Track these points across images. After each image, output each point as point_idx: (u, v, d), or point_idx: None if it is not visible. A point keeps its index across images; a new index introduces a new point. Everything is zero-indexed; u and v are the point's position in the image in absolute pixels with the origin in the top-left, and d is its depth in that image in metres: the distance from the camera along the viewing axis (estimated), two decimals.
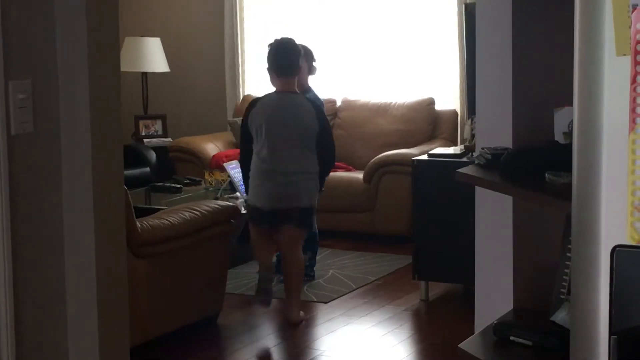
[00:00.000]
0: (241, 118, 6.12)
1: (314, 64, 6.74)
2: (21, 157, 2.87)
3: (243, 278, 6.79)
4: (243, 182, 6.13)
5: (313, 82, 6.81)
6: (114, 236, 3.17)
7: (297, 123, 5.78)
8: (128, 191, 4.70)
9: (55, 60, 2.97)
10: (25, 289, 2.91)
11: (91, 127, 3.01)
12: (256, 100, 5.93)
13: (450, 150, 6.59)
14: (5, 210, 2.80)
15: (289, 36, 6.08)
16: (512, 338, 2.78)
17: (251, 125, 5.82)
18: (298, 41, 6.08)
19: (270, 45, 5.95)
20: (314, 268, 6.84)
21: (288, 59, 5.85)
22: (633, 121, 1.88)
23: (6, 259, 2.81)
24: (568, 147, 2.16)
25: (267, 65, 5.91)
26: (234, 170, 7.07)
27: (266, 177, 5.77)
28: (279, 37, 6.03)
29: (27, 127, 2.88)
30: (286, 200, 5.77)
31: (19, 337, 2.89)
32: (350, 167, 8.15)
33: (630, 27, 1.86)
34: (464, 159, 5.95)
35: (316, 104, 6.03)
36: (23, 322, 2.91)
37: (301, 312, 5.99)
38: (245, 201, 6.16)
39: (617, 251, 1.91)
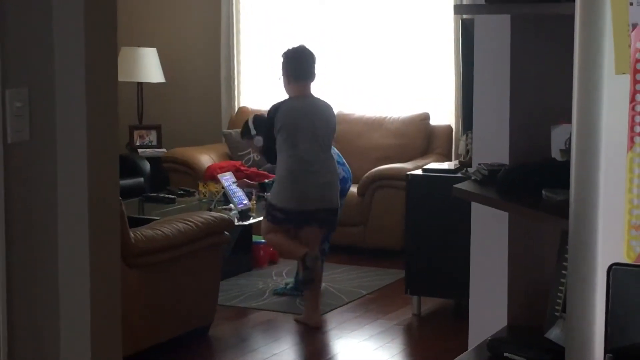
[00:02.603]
0: (238, 130, 6.21)
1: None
2: (17, 165, 2.86)
3: (235, 290, 6.78)
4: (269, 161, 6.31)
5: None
6: (108, 246, 3.16)
7: (323, 125, 5.99)
8: (122, 201, 4.70)
9: (53, 69, 2.97)
10: (19, 298, 2.90)
11: (87, 137, 3.00)
12: (279, 105, 6.03)
13: (445, 165, 6.60)
14: (0, 218, 2.80)
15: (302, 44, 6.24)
16: (506, 354, 2.78)
17: (278, 129, 5.94)
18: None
19: (287, 53, 6.09)
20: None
21: (308, 65, 6.04)
22: (631, 140, 1.88)
23: (0, 266, 2.80)
24: (565, 164, 2.16)
25: (282, 73, 6.06)
26: (228, 181, 7.07)
27: (298, 180, 5.91)
28: (292, 47, 6.16)
29: (24, 135, 2.88)
30: (313, 201, 5.93)
31: (11, 347, 2.88)
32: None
33: (629, 45, 1.87)
34: (459, 174, 5.96)
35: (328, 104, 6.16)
36: (15, 331, 2.89)
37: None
38: (269, 203, 6.21)
39: (614, 269, 1.91)
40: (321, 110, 6.01)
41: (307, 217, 5.96)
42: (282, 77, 6.05)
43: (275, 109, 6.00)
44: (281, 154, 5.96)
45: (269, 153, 6.18)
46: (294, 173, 5.90)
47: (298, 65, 6.02)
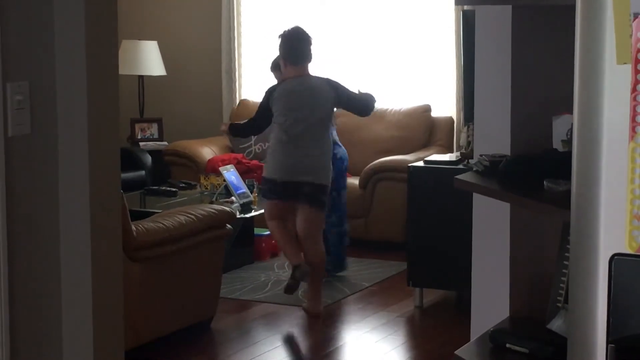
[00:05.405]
0: (239, 122, 6.29)
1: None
2: (18, 158, 2.86)
3: (237, 282, 6.78)
4: (239, 131, 6.49)
5: None
6: (110, 239, 3.16)
7: (317, 103, 5.98)
8: (123, 194, 4.69)
9: (54, 62, 2.97)
10: (21, 291, 2.90)
11: (88, 130, 3.00)
12: (276, 86, 6.09)
13: (446, 157, 6.59)
14: (2, 211, 2.80)
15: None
16: (508, 346, 2.78)
17: (273, 106, 5.98)
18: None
19: (283, 34, 6.12)
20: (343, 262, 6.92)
21: (303, 48, 6.06)
22: (633, 130, 1.88)
23: (2, 260, 2.80)
24: (567, 155, 2.16)
25: (279, 54, 6.10)
26: (230, 174, 7.06)
27: (284, 151, 5.94)
28: (289, 27, 6.18)
29: (24, 128, 2.87)
30: (299, 173, 5.92)
31: (14, 340, 2.88)
32: (347, 173, 8.14)
33: (631, 35, 1.86)
34: (460, 166, 5.95)
35: (327, 79, 6.16)
36: (18, 324, 2.90)
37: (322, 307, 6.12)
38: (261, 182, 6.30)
39: (616, 260, 1.91)
40: (317, 88, 6.01)
41: (292, 189, 5.94)
42: (281, 60, 6.09)
43: (271, 91, 6.05)
44: (274, 127, 6.01)
45: (243, 128, 6.32)
46: (282, 144, 5.94)
47: (293, 47, 6.04)
